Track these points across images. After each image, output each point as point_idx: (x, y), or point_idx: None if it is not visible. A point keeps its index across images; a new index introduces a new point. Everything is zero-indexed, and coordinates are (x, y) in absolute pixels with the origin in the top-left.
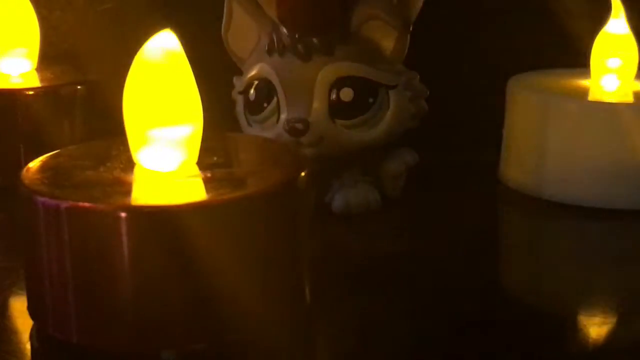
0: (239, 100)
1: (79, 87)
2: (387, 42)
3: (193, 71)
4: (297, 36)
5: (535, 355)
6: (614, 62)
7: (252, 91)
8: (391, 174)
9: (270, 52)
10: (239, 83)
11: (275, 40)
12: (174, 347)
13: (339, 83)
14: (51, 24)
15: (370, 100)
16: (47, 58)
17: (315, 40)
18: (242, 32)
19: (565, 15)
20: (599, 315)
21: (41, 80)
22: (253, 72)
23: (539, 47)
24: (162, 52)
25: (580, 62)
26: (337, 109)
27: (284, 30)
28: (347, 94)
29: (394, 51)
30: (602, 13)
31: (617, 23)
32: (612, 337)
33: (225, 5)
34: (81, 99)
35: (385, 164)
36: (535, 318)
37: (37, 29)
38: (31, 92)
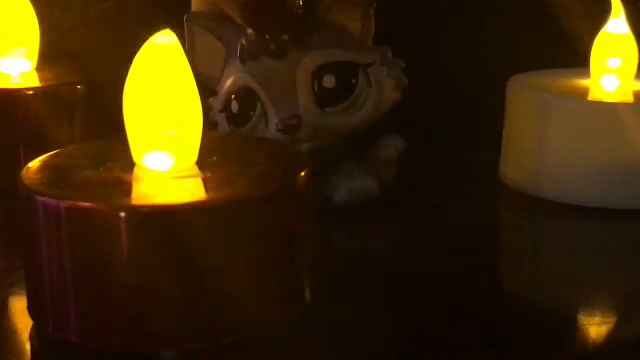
0: (221, 119)
1: (79, 87)
2: (354, 22)
3: (193, 71)
4: (267, 37)
5: (536, 355)
6: (614, 62)
7: (234, 104)
8: (383, 160)
9: (243, 59)
10: (217, 103)
11: (246, 46)
12: (174, 347)
13: (320, 72)
14: (51, 24)
15: (353, 81)
16: (47, 58)
17: (285, 36)
18: (208, 52)
19: (565, 15)
20: (599, 315)
21: (41, 80)
22: (229, 86)
23: (539, 47)
24: (162, 52)
25: (580, 62)
26: (323, 98)
27: (253, 34)
28: (329, 81)
29: (363, 30)
30: (602, 13)
31: (617, 23)
32: (612, 337)
33: (185, 30)
34: (81, 99)
35: (376, 151)
36: (535, 318)
37: (37, 29)
38: (31, 92)
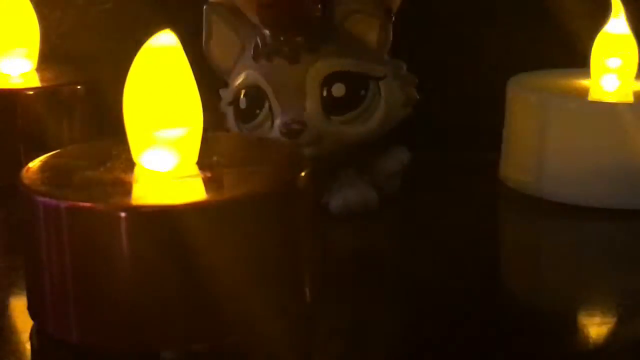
0: (229, 111)
1: (79, 87)
2: (371, 34)
3: (193, 71)
4: (282, 38)
5: (536, 355)
6: (614, 62)
7: (242, 99)
8: (387, 172)
9: (256, 58)
10: (226, 94)
11: (260, 45)
12: (174, 347)
13: (330, 79)
14: (51, 24)
15: (362, 92)
16: (47, 58)
17: (300, 40)
18: (224, 43)
19: (565, 15)
20: (599, 315)
21: (41, 80)
22: (240, 81)
23: (539, 47)
24: (162, 52)
25: (580, 62)
26: (331, 106)
27: (268, 34)
28: (339, 89)
29: (379, 42)
30: (602, 13)
31: (617, 23)
32: (612, 337)
33: (204, 18)
34: (81, 99)
35: (381, 163)
36: (535, 318)
37: (37, 29)
38: (31, 92)
